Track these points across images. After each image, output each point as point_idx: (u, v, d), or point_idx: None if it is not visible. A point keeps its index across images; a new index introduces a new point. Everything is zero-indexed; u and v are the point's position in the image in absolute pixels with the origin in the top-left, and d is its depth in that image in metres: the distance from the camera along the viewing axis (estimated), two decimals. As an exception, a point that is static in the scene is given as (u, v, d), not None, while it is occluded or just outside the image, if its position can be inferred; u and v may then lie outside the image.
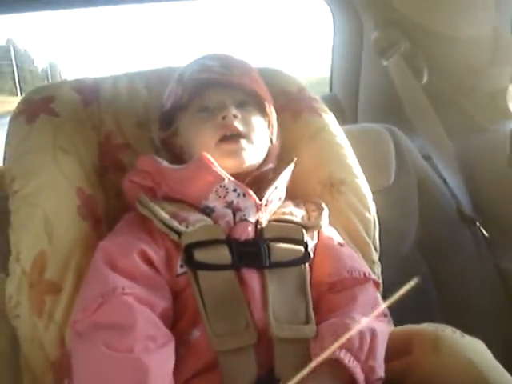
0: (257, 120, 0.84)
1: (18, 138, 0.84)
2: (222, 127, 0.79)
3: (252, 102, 0.85)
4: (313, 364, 0.62)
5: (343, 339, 0.64)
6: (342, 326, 0.66)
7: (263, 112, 0.87)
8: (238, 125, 0.79)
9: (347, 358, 0.63)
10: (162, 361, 0.60)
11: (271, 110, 0.88)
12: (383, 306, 0.75)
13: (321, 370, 0.63)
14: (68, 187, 0.81)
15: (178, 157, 0.85)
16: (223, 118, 0.79)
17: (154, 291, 0.67)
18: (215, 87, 0.82)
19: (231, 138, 0.79)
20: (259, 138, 0.83)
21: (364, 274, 0.77)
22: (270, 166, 0.86)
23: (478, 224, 1.32)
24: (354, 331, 0.65)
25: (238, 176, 0.78)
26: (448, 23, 1.28)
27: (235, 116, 0.80)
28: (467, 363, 0.65)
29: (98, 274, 0.67)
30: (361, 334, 0.65)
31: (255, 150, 0.82)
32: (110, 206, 0.88)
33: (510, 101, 1.40)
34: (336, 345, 0.63)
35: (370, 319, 0.69)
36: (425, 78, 1.31)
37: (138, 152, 0.92)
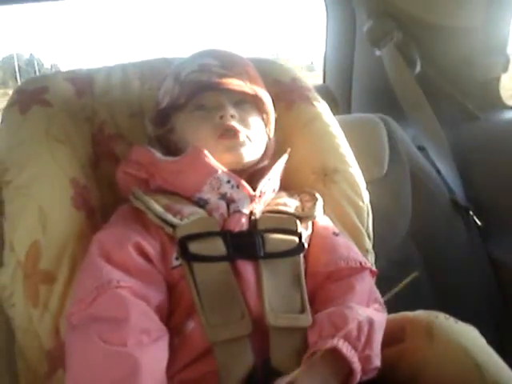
0: (254, 119, 0.83)
1: (11, 128, 0.84)
2: (220, 127, 0.78)
3: (250, 101, 0.84)
4: (317, 354, 0.63)
5: (343, 331, 0.63)
6: (340, 316, 0.67)
7: (261, 110, 0.86)
8: (236, 124, 0.79)
9: (345, 348, 0.63)
10: (154, 355, 0.60)
11: (269, 108, 0.87)
12: (384, 296, 0.75)
13: (318, 359, 0.63)
14: (62, 177, 0.80)
15: (172, 152, 0.84)
16: (221, 117, 0.79)
17: (150, 284, 0.67)
18: (214, 89, 0.80)
19: (229, 133, 0.79)
20: (257, 137, 0.83)
21: (360, 263, 0.77)
22: (266, 162, 0.86)
23: (471, 213, 1.32)
24: (353, 323, 0.65)
25: (235, 173, 0.78)
26: (440, 13, 1.28)
27: (232, 116, 0.79)
28: (461, 349, 0.65)
29: (93, 267, 0.67)
30: (358, 323, 0.65)
31: (253, 147, 0.82)
32: (103, 197, 0.88)
33: (502, 90, 1.40)
34: (336, 337, 0.63)
35: (368, 309, 0.70)
36: (418, 68, 1.32)
37: (131, 142, 0.91)
